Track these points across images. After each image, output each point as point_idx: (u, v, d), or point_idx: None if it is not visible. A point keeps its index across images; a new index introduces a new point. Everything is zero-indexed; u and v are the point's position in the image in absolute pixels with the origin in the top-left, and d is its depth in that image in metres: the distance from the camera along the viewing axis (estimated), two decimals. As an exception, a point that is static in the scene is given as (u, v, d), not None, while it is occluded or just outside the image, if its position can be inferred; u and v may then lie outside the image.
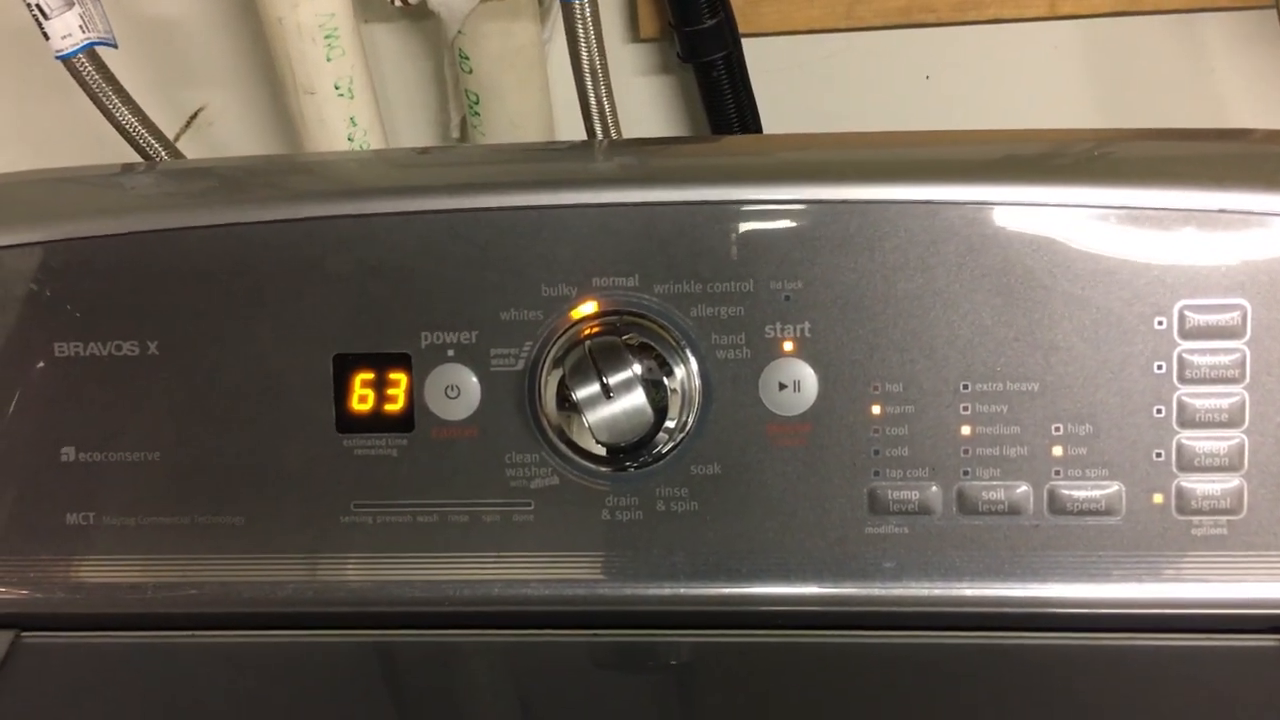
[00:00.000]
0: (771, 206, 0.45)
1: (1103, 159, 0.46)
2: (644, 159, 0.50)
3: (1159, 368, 0.44)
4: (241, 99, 0.72)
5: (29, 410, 0.48)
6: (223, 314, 0.47)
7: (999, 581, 0.45)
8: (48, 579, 0.48)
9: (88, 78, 0.56)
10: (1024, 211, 0.44)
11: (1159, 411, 0.44)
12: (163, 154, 0.57)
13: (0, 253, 0.47)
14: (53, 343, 0.48)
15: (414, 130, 0.72)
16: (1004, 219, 0.44)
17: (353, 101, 0.63)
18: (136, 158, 0.61)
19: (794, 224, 0.45)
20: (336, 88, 0.62)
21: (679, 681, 0.48)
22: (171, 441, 0.47)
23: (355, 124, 0.63)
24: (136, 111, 0.57)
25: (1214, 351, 0.44)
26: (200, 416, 0.47)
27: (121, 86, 0.57)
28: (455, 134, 0.70)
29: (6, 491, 0.48)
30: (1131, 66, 0.70)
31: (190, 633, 0.48)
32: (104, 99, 0.56)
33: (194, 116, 0.71)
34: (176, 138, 0.72)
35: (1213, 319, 0.44)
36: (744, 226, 0.45)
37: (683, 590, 0.47)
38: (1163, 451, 0.44)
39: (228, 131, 0.71)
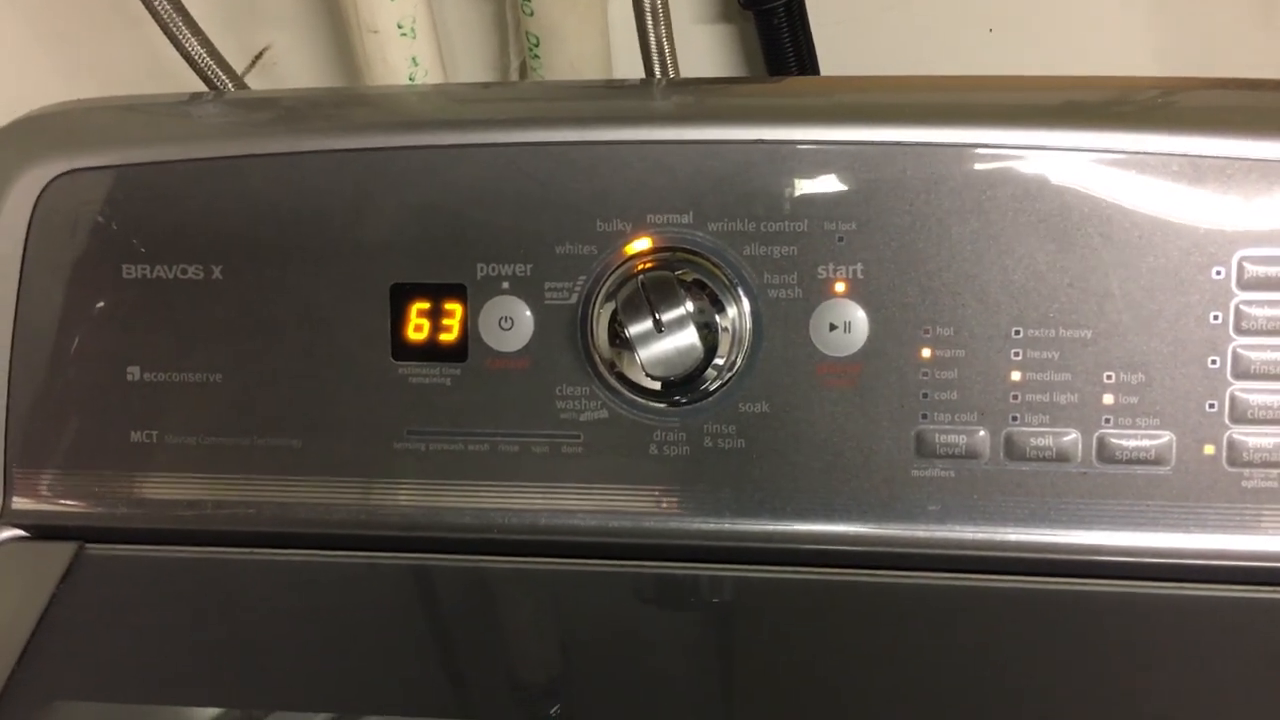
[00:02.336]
0: (828, 147, 0.45)
1: (1165, 107, 0.46)
2: (702, 97, 0.50)
3: (1215, 318, 0.44)
4: (305, 38, 0.72)
5: (97, 330, 0.49)
6: (285, 241, 0.48)
7: (1044, 528, 0.45)
8: (111, 493, 0.50)
9: (159, 7, 0.57)
10: (1082, 157, 0.44)
11: (1213, 362, 0.44)
12: (229, 86, 0.57)
13: (71, 177, 0.49)
14: (121, 265, 0.49)
15: (474, 72, 0.72)
16: (1062, 164, 0.44)
17: (415, 41, 0.63)
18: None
19: (850, 165, 0.45)
20: (400, 27, 0.62)
21: (719, 616, 0.49)
22: (233, 364, 0.49)
23: (417, 64, 0.63)
24: (205, 43, 0.58)
25: (1272, 303, 0.43)
26: (261, 340, 0.48)
27: (191, 17, 0.58)
28: (515, 77, 0.70)
29: (75, 408, 0.50)
30: (1197, 20, 0.69)
31: (246, 550, 0.49)
32: (174, 29, 0.57)
33: (259, 56, 0.72)
34: (241, 76, 0.73)
35: (1272, 270, 0.43)
36: (800, 166, 0.45)
37: (727, 526, 0.47)
38: (1215, 403, 0.44)
39: (291, 70, 0.72)
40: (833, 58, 0.70)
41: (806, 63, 0.67)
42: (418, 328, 0.48)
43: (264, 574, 0.49)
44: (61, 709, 0.46)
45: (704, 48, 0.72)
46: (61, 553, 0.50)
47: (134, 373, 0.49)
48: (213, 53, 0.58)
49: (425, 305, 0.48)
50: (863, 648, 0.46)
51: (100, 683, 0.47)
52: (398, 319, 0.48)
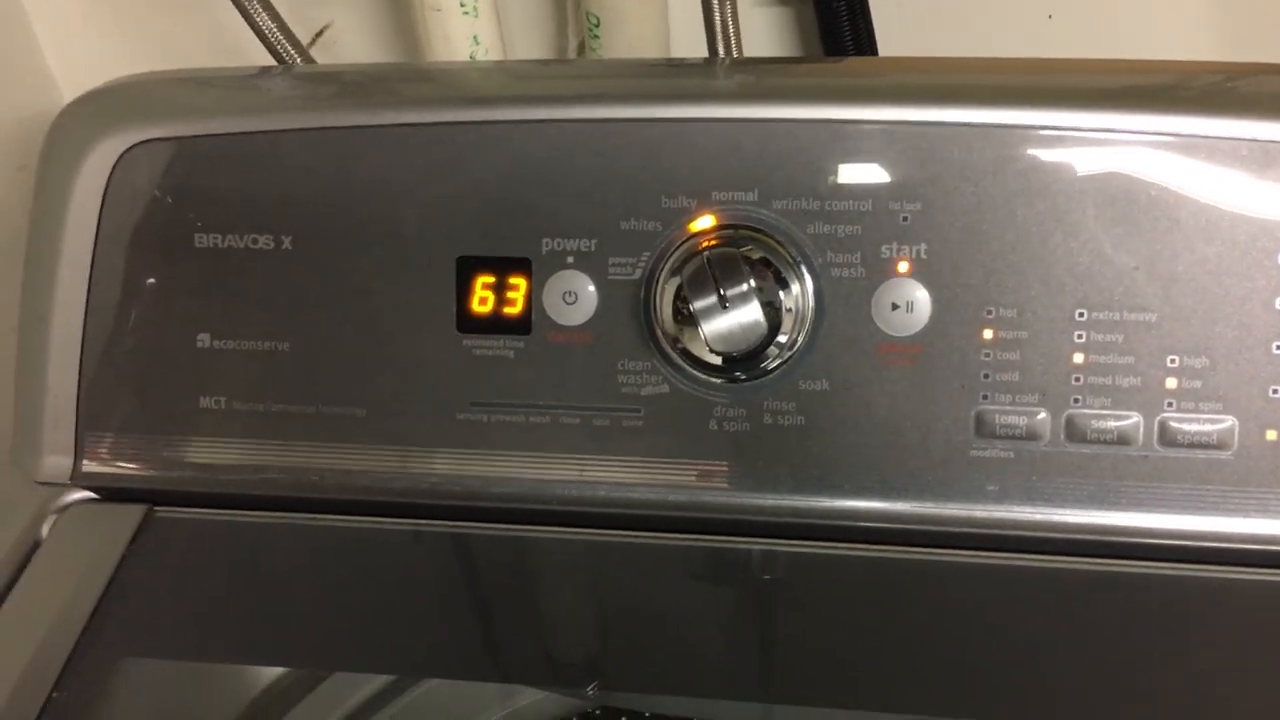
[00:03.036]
0: (894, 127, 0.45)
1: (1232, 91, 0.46)
2: (767, 77, 0.50)
3: (1281, 304, 0.44)
4: (366, 15, 0.73)
5: (169, 298, 0.50)
6: (353, 213, 0.49)
7: (1104, 510, 0.45)
8: (179, 458, 0.51)
9: (229, -16, 0.58)
10: (1150, 140, 0.44)
11: (1278, 348, 0.44)
12: (297, 60, 0.58)
13: (145, 147, 0.50)
14: (193, 234, 0.50)
15: (532, 52, 0.73)
16: (1130, 148, 0.44)
17: (477, 20, 0.64)
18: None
19: (915, 146, 0.45)
20: (461, 5, 0.63)
21: (776, 591, 0.49)
22: (300, 333, 0.50)
23: (478, 42, 0.64)
24: (275, 17, 0.59)
25: (1340, 289, 0.43)
26: (328, 310, 0.49)
27: (260, -8, 0.59)
28: (573, 56, 0.71)
29: (146, 374, 0.51)
30: (1257, 4, 0.68)
31: (309, 515, 0.50)
32: (245, 4, 0.58)
33: (321, 32, 0.73)
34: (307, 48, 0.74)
35: (1341, 256, 0.43)
36: (865, 146, 0.46)
37: (785, 502, 0.48)
38: (1279, 388, 0.44)
39: (353, 47, 0.73)
40: (890, 42, 0.70)
41: (865, 49, 0.68)
42: (482, 300, 0.49)
43: (325, 539, 0.50)
44: (130, 666, 0.47)
45: (763, 30, 0.72)
46: (131, 515, 0.51)
47: (204, 340, 0.50)
48: (282, 27, 0.59)
49: (490, 279, 0.48)
50: (918, 626, 0.46)
51: (168, 642, 0.48)
52: (463, 292, 0.49)
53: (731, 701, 0.48)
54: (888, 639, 0.47)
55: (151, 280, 0.50)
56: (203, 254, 0.50)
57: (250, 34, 0.61)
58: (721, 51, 0.59)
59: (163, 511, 0.51)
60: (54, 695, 0.44)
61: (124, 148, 0.50)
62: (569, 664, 0.49)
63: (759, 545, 0.49)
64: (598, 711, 0.73)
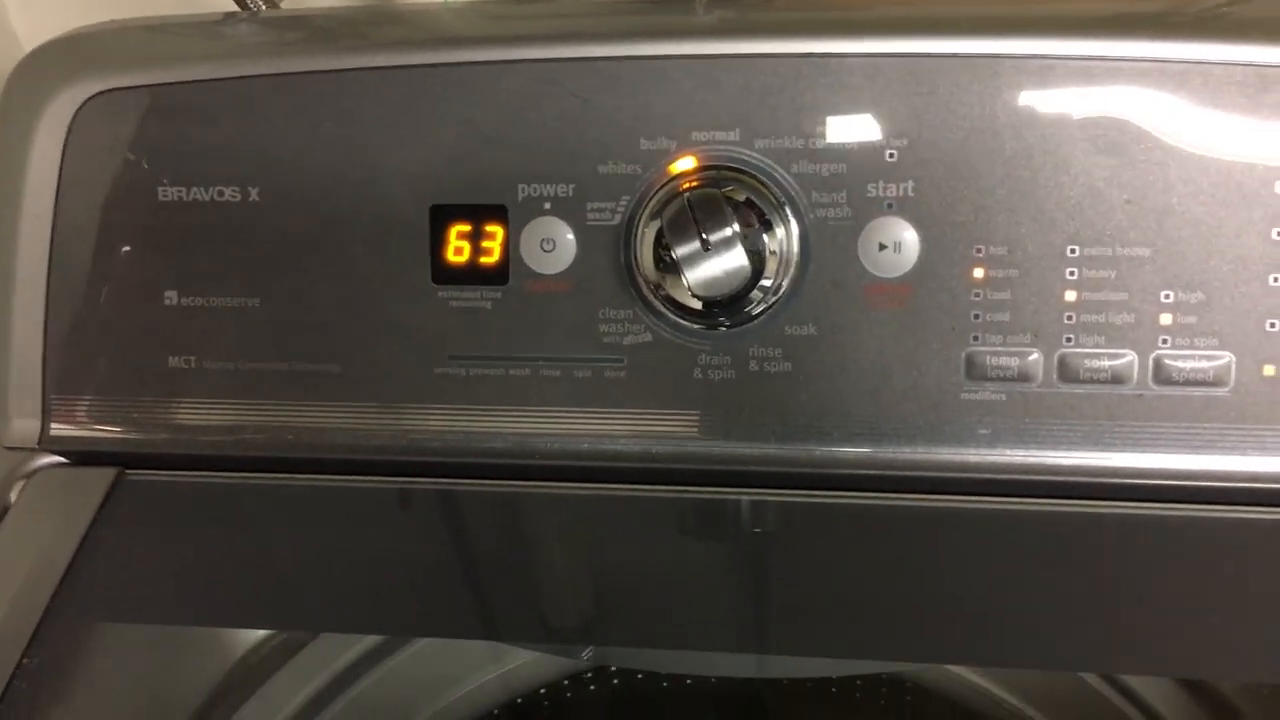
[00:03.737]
0: (879, 60, 0.44)
1: (1227, 15, 0.44)
2: (748, 11, 0.49)
3: (1277, 234, 0.42)
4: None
5: (134, 254, 0.49)
6: (323, 162, 0.47)
7: (1098, 451, 0.44)
8: (150, 419, 0.49)
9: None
10: (1142, 68, 0.43)
11: (1275, 280, 0.43)
12: (262, 6, 0.56)
13: (105, 97, 0.48)
14: (156, 187, 0.48)
15: None
16: (1121, 76, 0.43)
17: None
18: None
19: (901, 79, 0.44)
20: (432, -49, 0.61)
21: (765, 540, 0.48)
22: (271, 288, 0.48)
23: (450, -13, 0.62)
24: (237, -36, 0.57)
25: (1338, 218, 0.42)
26: (299, 264, 0.48)
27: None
28: None
29: (113, 333, 0.49)
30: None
31: (285, 475, 0.49)
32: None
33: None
34: None
35: (1339, 185, 0.42)
36: (849, 81, 0.44)
37: (773, 451, 0.46)
38: (1277, 322, 0.43)
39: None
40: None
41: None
42: (458, 250, 0.47)
43: (303, 499, 0.49)
44: (103, 631, 0.46)
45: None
46: (101, 478, 0.49)
47: (171, 297, 0.49)
48: (245, -26, 0.57)
49: (465, 227, 0.47)
50: (910, 572, 0.46)
51: (141, 606, 0.47)
52: (437, 241, 0.47)
53: (724, 654, 0.47)
54: (881, 587, 0.46)
55: (115, 236, 0.49)
56: (167, 208, 0.48)
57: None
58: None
59: (134, 474, 0.50)
60: (24, 661, 0.42)
61: (83, 98, 0.48)
62: (557, 620, 0.48)
63: (748, 495, 0.48)
64: (589, 674, 0.73)
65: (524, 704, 0.68)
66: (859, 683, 0.68)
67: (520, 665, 0.68)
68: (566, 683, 0.70)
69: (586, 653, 0.48)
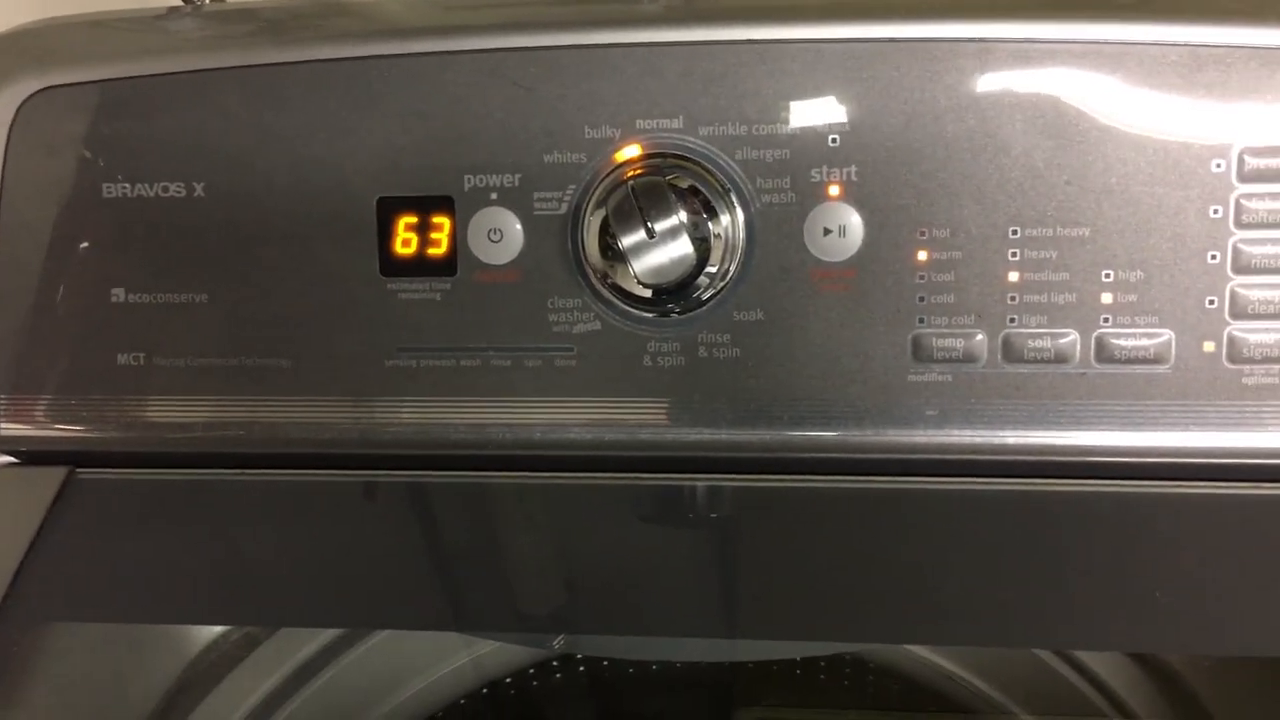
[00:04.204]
0: (820, 45, 0.44)
1: (1165, -2, 0.45)
2: None
3: (1215, 212, 0.43)
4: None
5: (80, 252, 0.48)
6: (268, 156, 0.47)
7: (1043, 429, 0.45)
8: (100, 417, 0.49)
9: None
10: (1079, 50, 0.43)
11: (1213, 258, 0.43)
12: (206, 1, 0.56)
13: (47, 94, 0.48)
14: (99, 184, 0.48)
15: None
16: (1058, 58, 0.43)
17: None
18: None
19: (842, 64, 0.44)
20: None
21: (718, 526, 0.48)
22: (218, 283, 0.48)
23: (398, -20, 0.62)
24: (179, -42, 0.56)
25: (1273, 196, 0.43)
26: (247, 259, 0.48)
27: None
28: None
29: (61, 332, 0.49)
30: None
31: (237, 471, 0.49)
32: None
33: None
34: None
35: (1273, 162, 0.42)
36: (792, 67, 0.44)
37: (724, 436, 0.47)
38: (1215, 299, 0.43)
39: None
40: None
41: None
42: (405, 242, 0.47)
43: (256, 494, 0.49)
44: (58, 630, 0.45)
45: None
46: (52, 478, 0.49)
47: (118, 295, 0.48)
48: (189, -32, 0.57)
49: (413, 219, 0.47)
50: (862, 554, 0.46)
51: (95, 604, 0.46)
52: (385, 234, 0.47)
53: (683, 639, 0.48)
54: (836, 569, 0.46)
55: (61, 234, 0.48)
56: (112, 204, 0.48)
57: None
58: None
59: (85, 473, 0.49)
60: (-26, 664, 0.42)
61: (24, 95, 0.48)
62: (514, 610, 0.48)
63: (701, 481, 0.48)
64: (555, 662, 0.73)
65: (489, 693, 0.68)
66: (823, 664, 0.68)
67: (489, 652, 0.68)
68: (532, 671, 0.71)
69: (557, 641, 0.48)
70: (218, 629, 0.49)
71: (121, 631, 0.48)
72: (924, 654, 0.62)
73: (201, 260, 0.48)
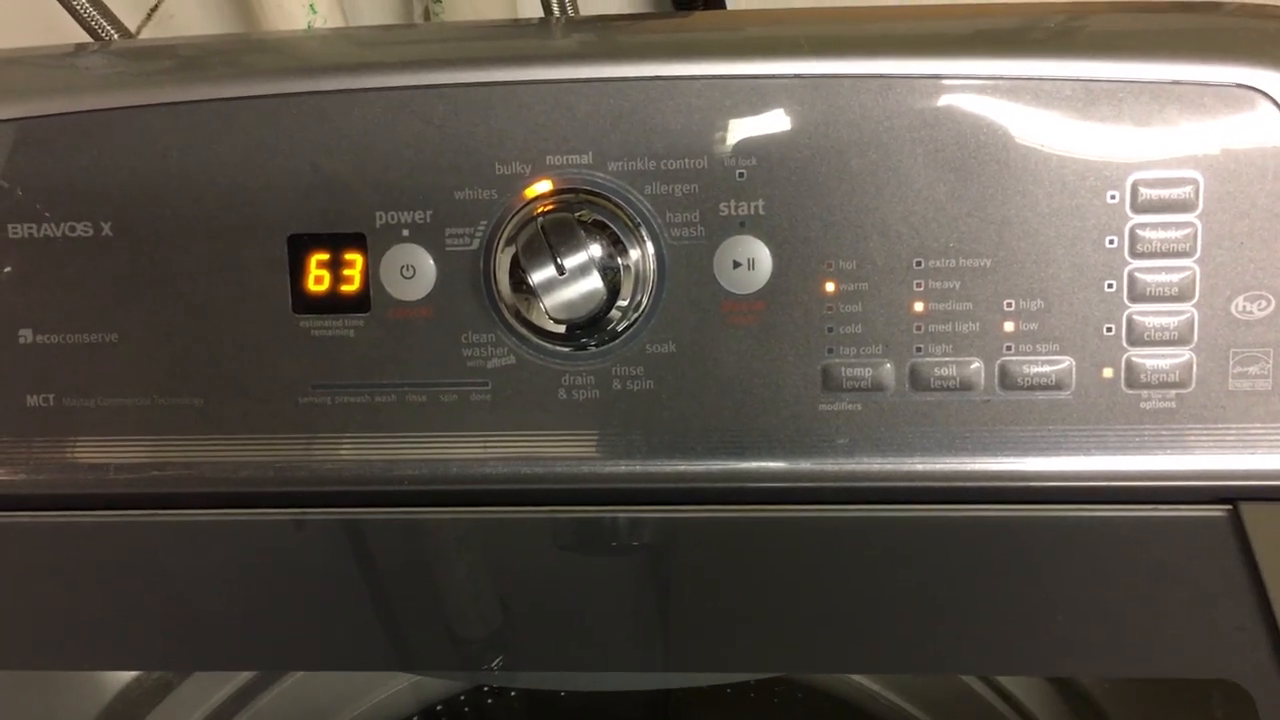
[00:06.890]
0: (727, 82, 0.45)
1: (1061, 32, 0.46)
2: (600, 35, 0.49)
3: (1110, 242, 0.44)
4: (202, -10, 0.71)
5: (-15, 293, 0.48)
6: (176, 194, 0.47)
7: (951, 456, 0.46)
8: (9, 460, 0.48)
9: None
10: (978, 85, 0.44)
11: (1110, 286, 0.44)
12: (115, 37, 0.56)
13: (-49, 134, 0.47)
14: (6, 224, 0.47)
15: (379, 19, 0.71)
16: (958, 94, 0.44)
17: (313, -11, 0.62)
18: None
19: (748, 100, 0.45)
20: (296, -26, 0.61)
21: (636, 557, 0.49)
22: (129, 323, 0.47)
23: (315, 11, 0.62)
24: (92, -5, 0.56)
25: (1165, 225, 0.44)
26: (156, 298, 0.47)
27: (73, -33, 0.56)
28: (419, 21, 0.69)
29: (-35, 374, 0.48)
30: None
31: (151, 512, 0.48)
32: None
33: (154, 8, 0.70)
34: (138, 30, 0.71)
35: (1165, 193, 0.44)
36: (699, 103, 0.45)
37: (639, 468, 0.47)
38: (1113, 326, 0.45)
39: (188, 22, 0.70)
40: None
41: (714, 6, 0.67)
42: (318, 279, 0.47)
43: (170, 536, 0.48)
44: (-36, 680, 0.45)
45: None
46: (-41, 523, 0.49)
47: (26, 335, 0.48)
48: (97, 4, 0.56)
49: (324, 256, 0.47)
50: (779, 582, 0.46)
51: (6, 652, 0.46)
52: (297, 271, 0.47)
53: (595, 672, 0.48)
54: (751, 598, 0.47)
55: (-34, 275, 0.48)
56: (18, 245, 0.47)
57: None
58: (557, 11, 0.57)
59: (-6, 517, 0.49)
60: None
61: (-73, 136, 0.47)
62: (435, 645, 0.48)
63: (618, 513, 0.48)
64: (485, 689, 0.73)
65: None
66: (753, 685, 0.69)
67: (423, 680, 0.68)
68: (463, 698, 0.71)
69: (496, 662, 0.48)
70: (131, 674, 0.49)
71: (34, 676, 0.47)
72: (853, 676, 0.63)
73: (110, 300, 0.47)
